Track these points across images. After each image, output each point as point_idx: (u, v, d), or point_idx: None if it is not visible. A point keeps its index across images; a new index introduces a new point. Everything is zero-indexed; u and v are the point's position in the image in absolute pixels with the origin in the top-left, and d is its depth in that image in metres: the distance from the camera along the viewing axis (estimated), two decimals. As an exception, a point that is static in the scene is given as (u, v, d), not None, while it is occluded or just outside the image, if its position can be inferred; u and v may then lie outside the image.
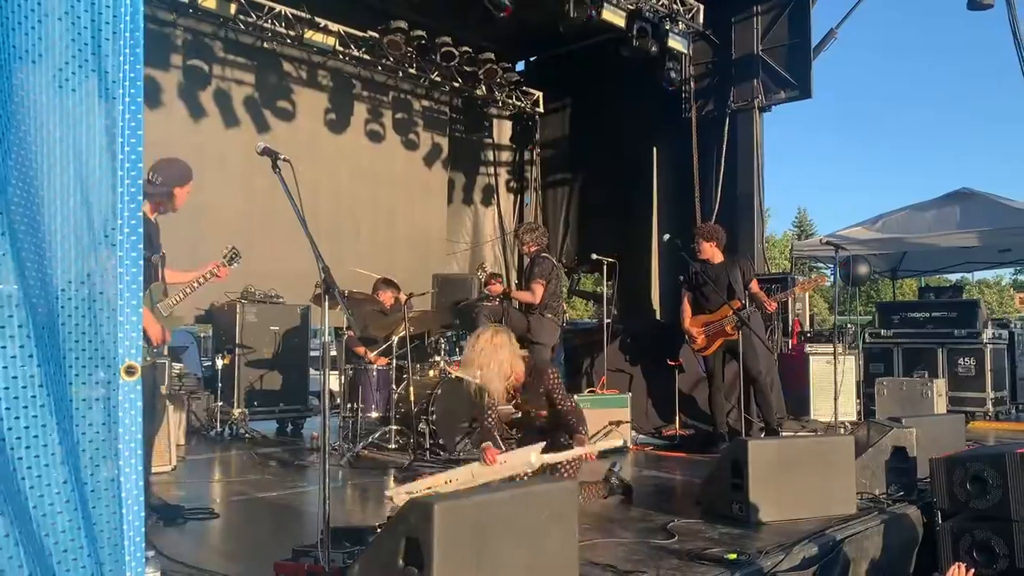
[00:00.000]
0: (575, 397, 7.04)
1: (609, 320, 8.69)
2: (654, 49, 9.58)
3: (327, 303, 3.17)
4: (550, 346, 7.35)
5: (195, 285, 4.62)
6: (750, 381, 7.10)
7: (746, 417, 7.21)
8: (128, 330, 1.59)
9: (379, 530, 3.35)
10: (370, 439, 6.75)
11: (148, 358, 4.25)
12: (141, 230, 1.64)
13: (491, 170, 13.52)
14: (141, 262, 1.60)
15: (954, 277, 17.63)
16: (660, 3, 9.75)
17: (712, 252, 7.28)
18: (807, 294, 10.40)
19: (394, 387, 6.98)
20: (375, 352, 7.37)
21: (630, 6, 9.36)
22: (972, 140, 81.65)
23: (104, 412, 1.54)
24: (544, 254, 7.38)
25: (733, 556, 3.62)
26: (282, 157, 3.38)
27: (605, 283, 8.71)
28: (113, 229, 1.60)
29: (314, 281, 6.26)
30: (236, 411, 8.03)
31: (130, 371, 1.59)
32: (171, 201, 4.43)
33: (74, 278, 1.58)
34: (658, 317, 11.25)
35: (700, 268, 7.22)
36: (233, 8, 9.31)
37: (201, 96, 9.82)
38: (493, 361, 4.70)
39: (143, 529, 1.59)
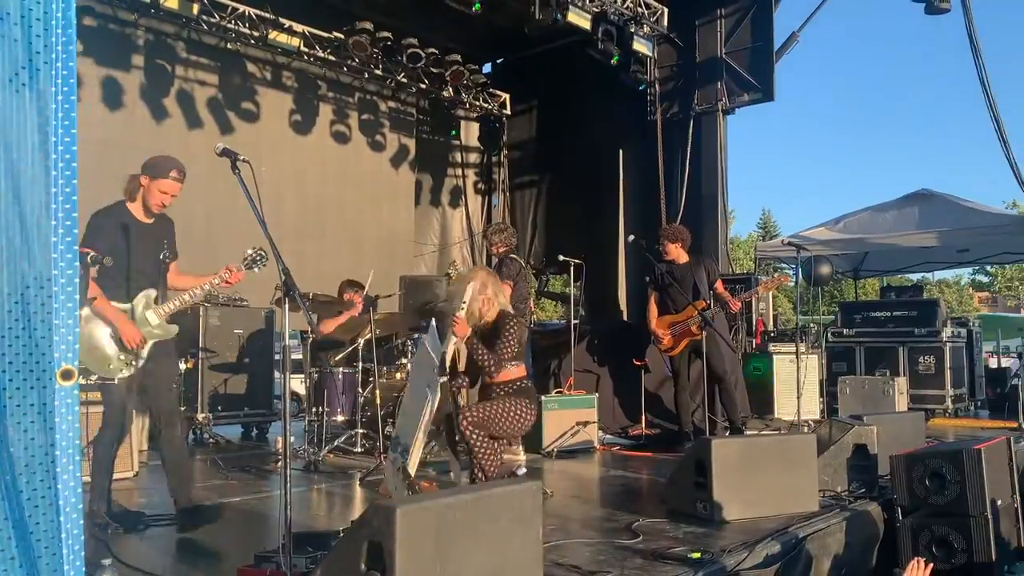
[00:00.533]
0: (542, 398, 7.09)
1: (576, 321, 8.70)
2: (616, 51, 9.61)
3: (287, 305, 3.14)
4: None
5: (196, 291, 4.40)
6: (715, 380, 7.16)
7: (710, 416, 7.27)
8: (64, 334, 1.54)
9: (342, 534, 3.32)
10: (335, 443, 6.70)
11: (123, 372, 4.10)
12: (77, 231, 1.59)
13: (458, 171, 13.50)
14: (77, 264, 1.56)
15: (915, 277, 17.91)
16: (625, 6, 9.80)
17: (677, 253, 7.34)
18: (771, 294, 10.51)
19: (360, 390, 6.93)
20: (339, 355, 7.30)
21: (595, 9, 9.40)
22: (934, 140, 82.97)
23: (40, 418, 1.49)
24: (512, 255, 7.32)
25: (697, 555, 3.64)
26: (241, 158, 3.35)
27: (572, 284, 8.73)
28: (47, 230, 1.55)
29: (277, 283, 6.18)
30: (200, 416, 7.93)
31: (66, 375, 1.54)
32: (138, 191, 4.22)
33: (7, 281, 1.52)
34: (625, 318, 11.30)
35: (666, 269, 7.27)
36: (196, 8, 9.21)
37: (163, 97, 9.70)
38: (461, 297, 4.66)
39: (82, 537, 1.55)
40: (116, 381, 4.08)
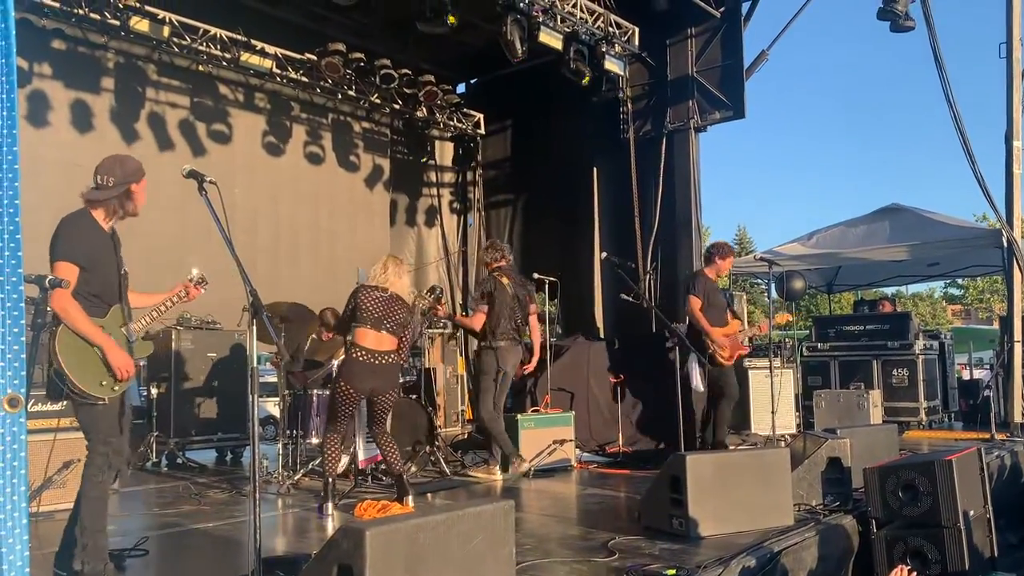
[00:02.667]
0: (518, 417, 7.08)
1: (554, 339, 8.70)
2: (589, 72, 9.70)
3: (255, 327, 3.11)
4: (507, 368, 6.98)
5: (162, 308, 4.12)
6: (731, 397, 7.25)
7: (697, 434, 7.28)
8: (10, 359, 1.49)
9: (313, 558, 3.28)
10: (310, 466, 6.63)
11: (117, 388, 3.69)
12: (21, 254, 1.54)
13: (433, 191, 13.50)
14: (22, 287, 1.51)
15: (890, 291, 18.11)
16: (596, 26, 9.89)
17: (726, 270, 7.51)
18: (746, 310, 10.57)
19: (335, 412, 6.86)
20: (314, 376, 7.24)
21: (567, 29, 9.48)
22: (909, 153, 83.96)
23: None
24: (495, 273, 7.06)
25: (672, 572, 3.63)
26: (208, 179, 3.33)
27: (548, 302, 8.74)
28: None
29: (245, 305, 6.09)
30: (172, 441, 7.83)
31: (13, 403, 1.49)
32: (130, 201, 3.87)
33: (-52, 304, 1.47)
34: (601, 335, 11.31)
35: (710, 284, 7.34)
36: (166, 31, 9.17)
37: (134, 120, 9.63)
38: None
39: (27, 570, 1.49)
40: (107, 400, 3.67)
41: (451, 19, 8.73)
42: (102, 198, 3.80)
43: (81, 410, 3.70)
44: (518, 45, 8.94)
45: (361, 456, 6.59)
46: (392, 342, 5.59)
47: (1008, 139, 9.04)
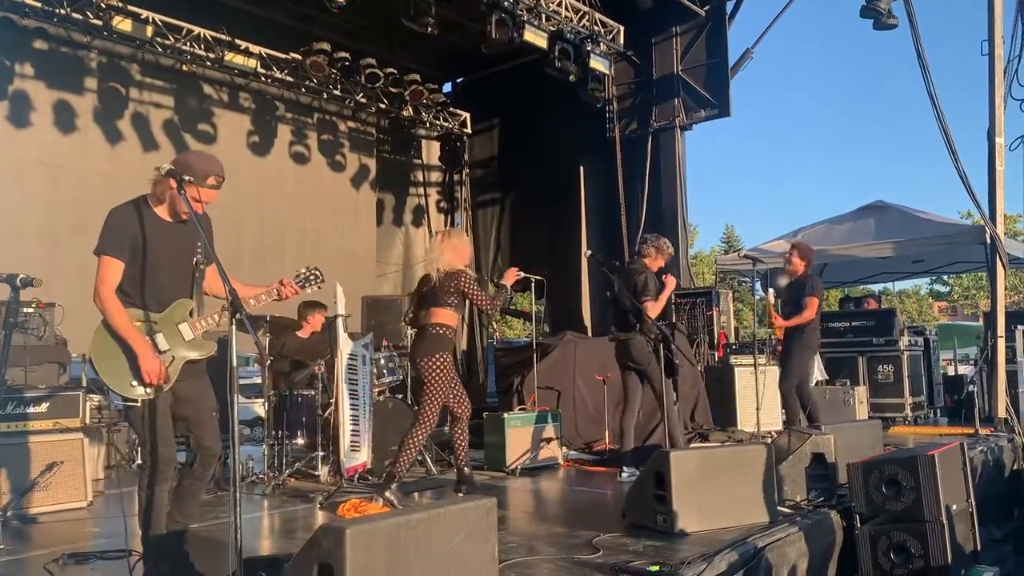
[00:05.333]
0: (504, 416, 7.07)
1: (542, 339, 8.70)
2: (575, 68, 9.71)
3: (234, 327, 3.10)
4: (626, 364, 6.65)
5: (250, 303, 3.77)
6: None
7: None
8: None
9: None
10: (296, 466, 6.61)
11: (149, 391, 3.48)
12: None
13: (420, 191, 13.50)
14: None
15: (877, 288, 18.16)
16: (581, 24, 9.91)
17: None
18: (731, 307, 10.61)
19: (320, 412, 6.85)
20: (299, 376, 7.21)
21: (551, 28, 9.48)
22: (894, 151, 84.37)
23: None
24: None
25: (656, 568, 3.63)
26: (187, 178, 3.31)
27: (534, 300, 8.74)
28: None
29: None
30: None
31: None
32: (165, 193, 3.53)
33: None
34: (589, 333, 11.32)
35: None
36: (150, 30, 9.13)
37: (118, 120, 9.60)
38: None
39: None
40: (138, 403, 3.50)
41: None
42: (154, 190, 3.57)
43: (127, 412, 3.63)
44: (500, 37, 8.93)
45: (347, 464, 6.52)
46: (450, 316, 5.67)
47: (991, 136, 9.08)
